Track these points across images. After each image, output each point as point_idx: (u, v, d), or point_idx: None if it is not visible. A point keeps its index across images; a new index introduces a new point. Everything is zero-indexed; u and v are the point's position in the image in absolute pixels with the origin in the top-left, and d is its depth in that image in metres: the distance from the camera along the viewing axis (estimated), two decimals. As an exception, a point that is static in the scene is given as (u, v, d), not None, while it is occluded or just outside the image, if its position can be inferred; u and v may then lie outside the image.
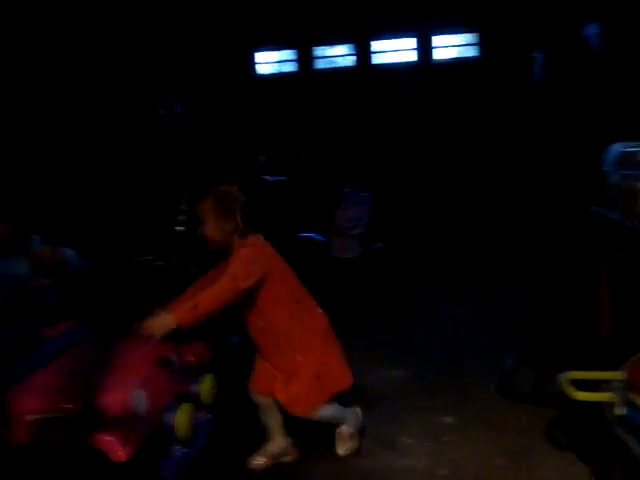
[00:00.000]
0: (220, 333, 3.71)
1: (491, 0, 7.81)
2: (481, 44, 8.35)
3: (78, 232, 4.39)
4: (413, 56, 8.81)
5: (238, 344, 3.90)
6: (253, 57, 9.50)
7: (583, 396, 2.40)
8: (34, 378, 2.72)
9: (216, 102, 8.42)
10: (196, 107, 7.88)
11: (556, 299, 4.06)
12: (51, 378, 2.72)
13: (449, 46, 8.68)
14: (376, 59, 9.04)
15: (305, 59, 9.31)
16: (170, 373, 2.89)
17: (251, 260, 2.81)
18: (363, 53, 9.03)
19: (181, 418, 2.67)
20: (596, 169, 3.52)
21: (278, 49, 9.51)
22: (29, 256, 3.23)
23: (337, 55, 9.40)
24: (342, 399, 3.20)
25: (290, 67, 9.54)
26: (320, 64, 9.39)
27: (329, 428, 3.27)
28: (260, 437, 3.17)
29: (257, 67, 9.61)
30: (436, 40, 8.64)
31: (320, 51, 9.39)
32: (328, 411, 3.08)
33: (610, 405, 2.37)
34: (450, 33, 8.59)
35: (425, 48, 8.67)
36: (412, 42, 8.79)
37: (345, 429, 3.23)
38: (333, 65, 9.40)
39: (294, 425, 3.13)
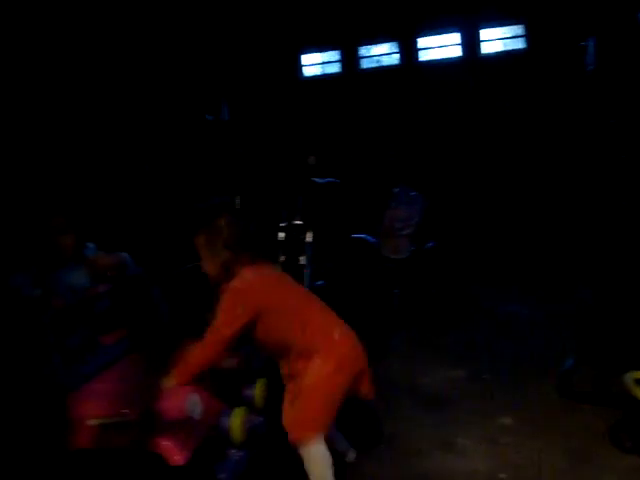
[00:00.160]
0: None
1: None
2: (528, 36, 8.16)
3: (130, 239, 4.48)
4: (458, 51, 8.68)
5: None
6: (299, 60, 9.54)
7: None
8: (93, 384, 2.78)
9: (264, 106, 8.48)
10: (244, 112, 7.95)
11: (616, 297, 3.93)
12: (110, 384, 2.78)
13: (495, 39, 8.51)
14: (421, 56, 8.95)
15: (350, 59, 9.28)
16: (224, 378, 2.91)
17: (234, 303, 2.67)
18: (408, 50, 8.95)
19: (235, 422, 2.68)
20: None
21: (323, 50, 9.52)
22: (86, 263, 3.30)
23: (381, 54, 9.34)
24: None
25: (335, 68, 9.53)
26: (365, 63, 9.36)
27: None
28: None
29: (303, 69, 9.64)
30: (482, 34, 8.50)
31: (364, 50, 9.36)
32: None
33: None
34: (495, 26, 8.43)
35: (471, 42, 8.53)
36: (457, 37, 8.66)
37: None
38: (378, 64, 9.35)
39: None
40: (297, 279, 4.23)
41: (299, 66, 9.53)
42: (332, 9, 8.67)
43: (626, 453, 3.05)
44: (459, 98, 8.37)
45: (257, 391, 2.95)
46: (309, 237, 4.36)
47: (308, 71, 9.70)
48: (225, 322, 2.66)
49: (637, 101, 4.35)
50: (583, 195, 6.50)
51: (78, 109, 6.29)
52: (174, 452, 2.48)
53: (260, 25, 8.63)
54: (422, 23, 8.63)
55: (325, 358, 2.66)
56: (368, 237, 5.18)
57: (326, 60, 9.67)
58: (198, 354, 2.70)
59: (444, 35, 8.83)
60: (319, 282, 4.73)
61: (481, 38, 8.50)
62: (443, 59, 8.80)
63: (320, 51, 9.56)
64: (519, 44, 8.30)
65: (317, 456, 2.70)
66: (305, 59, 9.63)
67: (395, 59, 9.22)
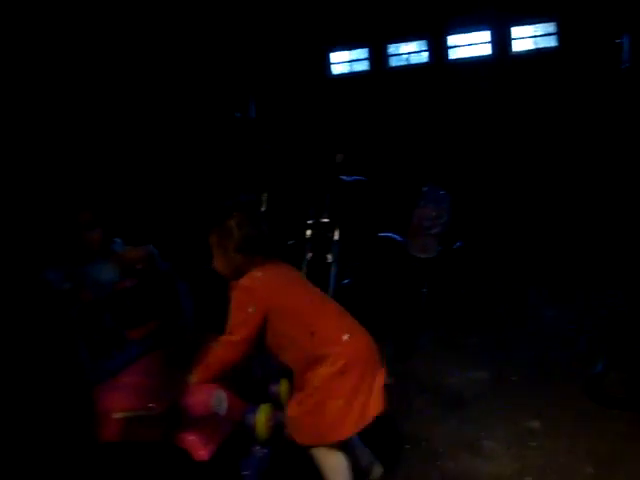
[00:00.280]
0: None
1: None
2: (560, 33, 8.04)
3: (157, 235, 4.51)
4: (488, 49, 8.59)
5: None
6: (328, 57, 9.53)
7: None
8: (120, 378, 2.80)
9: (292, 103, 8.50)
10: (272, 109, 7.97)
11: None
12: (136, 378, 2.80)
13: (526, 37, 8.41)
14: (451, 54, 8.88)
15: (378, 57, 9.25)
16: (250, 374, 2.91)
17: (245, 303, 2.60)
18: (437, 48, 8.89)
19: (260, 419, 2.68)
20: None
21: (351, 48, 9.50)
22: (114, 258, 3.33)
23: (410, 52, 9.29)
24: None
25: (364, 66, 9.51)
26: (393, 61, 9.31)
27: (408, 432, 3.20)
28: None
29: (332, 67, 9.63)
30: (513, 32, 8.40)
31: (393, 48, 9.31)
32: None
33: None
34: (526, 24, 8.32)
35: (501, 41, 8.44)
36: (487, 35, 8.57)
37: None
38: (406, 62, 9.30)
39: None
40: (324, 277, 4.25)
41: (327, 64, 9.53)
42: (361, 6, 8.64)
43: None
44: (489, 97, 8.29)
45: (282, 388, 2.94)
46: (336, 235, 4.34)
47: (336, 69, 9.69)
48: (238, 323, 2.61)
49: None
50: (617, 196, 6.39)
51: (108, 105, 6.37)
52: (199, 447, 2.49)
53: (289, 22, 8.65)
54: (452, 21, 8.57)
55: (332, 361, 2.54)
56: (395, 236, 5.15)
57: (354, 58, 9.65)
58: (217, 355, 2.67)
59: (474, 33, 8.75)
60: (345, 281, 4.71)
61: (512, 36, 8.40)
62: (473, 57, 8.72)
63: (348, 49, 9.54)
64: (550, 42, 8.19)
65: (327, 461, 2.64)
66: (334, 57, 9.63)
67: (424, 57, 9.16)
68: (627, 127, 5.61)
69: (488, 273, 5.95)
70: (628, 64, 5.38)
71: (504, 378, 4.08)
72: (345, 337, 2.60)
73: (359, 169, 4.93)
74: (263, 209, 4.22)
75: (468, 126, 8.21)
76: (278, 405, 2.87)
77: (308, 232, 4.40)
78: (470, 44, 8.77)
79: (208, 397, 2.59)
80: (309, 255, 4.36)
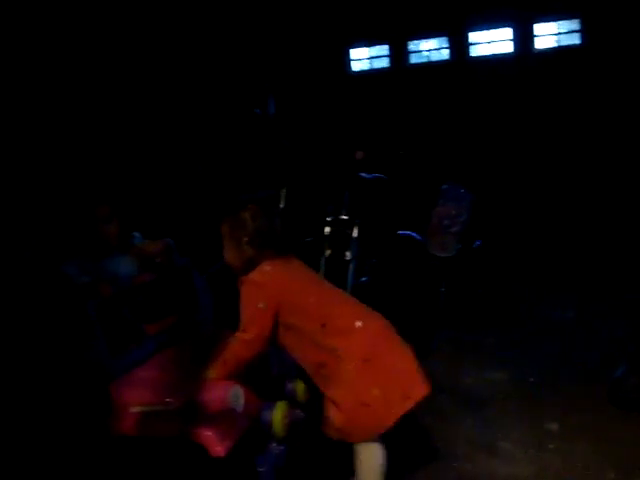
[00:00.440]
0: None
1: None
2: (584, 31, 7.93)
3: (176, 231, 4.52)
4: (510, 47, 8.50)
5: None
6: (347, 54, 9.50)
7: None
8: (138, 372, 2.81)
9: (312, 100, 8.48)
10: (292, 106, 7.96)
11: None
12: (153, 373, 2.81)
13: (548, 35, 8.31)
14: (472, 51, 8.80)
15: (399, 54, 9.20)
16: (267, 371, 2.91)
17: (255, 298, 2.57)
18: (458, 46, 8.82)
19: (277, 415, 2.67)
20: None
21: (371, 45, 9.46)
22: (133, 251, 3.35)
23: (431, 49, 9.24)
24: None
25: (384, 63, 9.46)
26: (413, 58, 9.26)
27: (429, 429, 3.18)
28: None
29: (352, 64, 9.60)
30: (535, 29, 8.30)
31: (413, 45, 9.26)
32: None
33: None
34: (549, 20, 8.22)
35: (523, 38, 8.35)
36: (509, 32, 8.48)
37: None
38: (427, 60, 9.24)
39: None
40: (342, 274, 4.24)
41: (347, 60, 9.50)
42: (381, 2, 8.59)
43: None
44: (510, 95, 8.20)
45: (299, 386, 2.93)
46: (355, 232, 4.32)
47: (356, 66, 9.65)
48: (250, 320, 2.59)
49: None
50: (635, 198, 6.31)
51: (128, 102, 6.40)
52: (215, 443, 2.48)
53: (308, 18, 8.63)
54: (473, 17, 8.48)
55: (352, 353, 2.49)
56: (415, 234, 5.12)
57: (374, 55, 9.61)
58: (233, 352, 2.66)
59: (496, 30, 8.66)
60: (363, 278, 4.69)
61: (534, 33, 8.31)
62: (494, 55, 8.64)
63: (368, 45, 9.50)
64: (574, 40, 8.08)
65: (371, 459, 2.61)
66: (354, 54, 9.59)
67: (445, 54, 9.10)
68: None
69: (507, 273, 5.89)
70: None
71: (522, 379, 4.04)
72: (358, 324, 2.56)
73: (379, 167, 4.91)
74: (282, 205, 4.21)
75: (489, 125, 8.13)
76: (294, 402, 2.87)
77: (327, 229, 4.38)
78: (491, 41, 8.69)
79: (225, 393, 2.59)
80: (327, 252, 4.35)
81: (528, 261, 6.36)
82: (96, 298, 2.85)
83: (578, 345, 4.52)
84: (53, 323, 2.93)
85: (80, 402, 2.80)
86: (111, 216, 3.35)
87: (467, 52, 8.78)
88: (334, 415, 2.52)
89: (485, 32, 8.69)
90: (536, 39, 8.31)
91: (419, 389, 2.55)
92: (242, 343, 2.62)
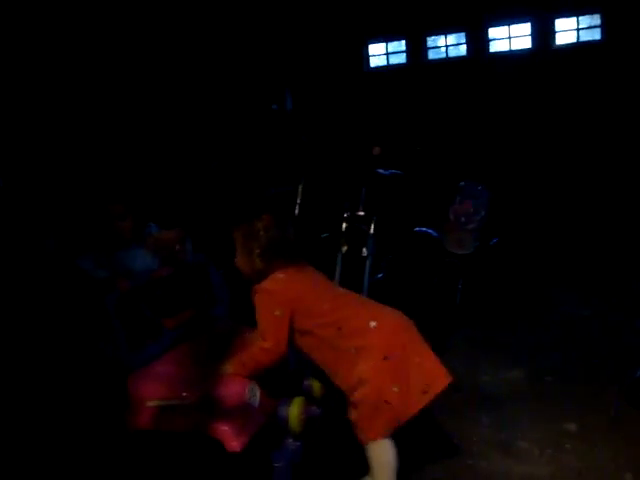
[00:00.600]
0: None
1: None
2: (604, 26, 7.84)
3: (193, 226, 4.54)
4: (529, 43, 8.42)
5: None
6: (365, 50, 9.48)
7: None
8: (154, 366, 2.83)
9: (330, 96, 8.47)
10: (309, 101, 7.96)
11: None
12: (170, 367, 2.82)
13: (568, 30, 8.22)
14: (490, 47, 8.73)
15: (416, 50, 9.16)
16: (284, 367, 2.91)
17: (270, 307, 2.60)
18: (476, 41, 8.75)
19: (294, 411, 2.68)
20: None
21: (389, 40, 9.42)
22: (150, 241, 3.39)
23: (449, 45, 9.17)
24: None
25: (401, 59, 9.42)
26: (431, 54, 9.21)
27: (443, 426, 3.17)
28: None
29: (370, 60, 9.57)
30: (555, 24, 8.21)
31: (431, 41, 9.20)
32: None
33: None
34: (569, 16, 8.13)
35: (543, 34, 8.26)
36: (528, 28, 8.40)
37: None
38: (445, 55, 9.18)
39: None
40: (358, 270, 4.23)
41: (365, 56, 9.47)
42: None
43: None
44: (529, 92, 8.13)
45: (316, 382, 2.93)
46: (372, 229, 4.31)
47: (374, 61, 9.62)
48: (268, 329, 2.61)
49: None
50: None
51: (143, 98, 6.44)
52: (231, 438, 2.50)
53: (326, 14, 8.61)
54: (492, 13, 8.42)
55: (370, 352, 2.53)
56: (431, 231, 5.09)
57: (392, 50, 9.56)
58: (253, 357, 2.67)
59: (515, 25, 8.59)
60: (379, 275, 4.68)
61: (554, 29, 8.22)
62: (513, 50, 8.56)
63: (386, 41, 9.46)
64: (595, 35, 7.99)
65: (384, 456, 2.63)
66: (373, 50, 9.57)
67: (463, 50, 9.04)
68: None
69: (524, 270, 5.85)
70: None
71: (539, 378, 4.00)
72: (372, 324, 2.59)
73: (396, 163, 4.89)
74: (299, 201, 4.21)
75: (507, 122, 8.07)
76: (311, 398, 2.87)
77: (343, 225, 4.38)
78: (511, 37, 8.61)
79: (242, 388, 2.60)
80: (344, 248, 4.34)
81: (545, 259, 6.31)
82: (114, 292, 2.87)
83: (595, 344, 4.47)
84: (71, 317, 2.96)
85: (97, 396, 2.82)
86: (126, 213, 3.40)
87: (486, 48, 8.72)
88: (356, 414, 2.56)
89: (504, 28, 8.62)
90: (556, 35, 8.22)
91: (439, 382, 2.64)
92: (262, 351, 2.64)
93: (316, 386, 2.92)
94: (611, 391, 3.66)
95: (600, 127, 7.50)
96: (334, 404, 2.83)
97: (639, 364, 3.67)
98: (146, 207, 3.64)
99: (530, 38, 8.41)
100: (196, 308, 3.30)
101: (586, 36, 8.08)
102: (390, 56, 9.55)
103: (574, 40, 8.20)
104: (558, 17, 8.16)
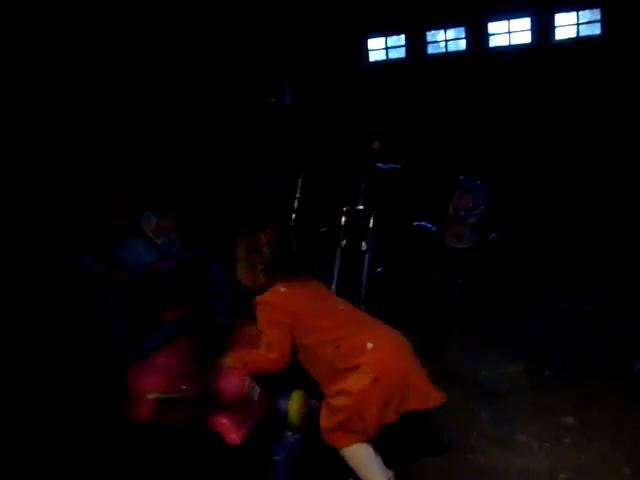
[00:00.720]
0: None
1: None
2: (604, 21, 7.83)
3: (194, 219, 4.54)
4: (529, 37, 8.41)
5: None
6: (364, 44, 9.46)
7: None
8: (154, 359, 2.82)
9: (329, 90, 8.46)
10: (308, 95, 7.95)
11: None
12: (170, 360, 2.82)
13: (567, 25, 8.20)
14: (490, 42, 8.72)
15: (415, 44, 9.14)
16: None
17: (270, 319, 2.59)
18: (476, 36, 8.74)
19: (293, 405, 2.68)
20: None
21: (388, 35, 9.40)
22: (153, 229, 3.42)
23: (448, 39, 9.15)
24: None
25: (400, 53, 9.41)
26: (431, 49, 9.19)
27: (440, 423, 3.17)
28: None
29: (370, 54, 9.55)
30: (555, 19, 8.20)
31: (430, 35, 9.19)
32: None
33: None
34: (569, 11, 8.12)
35: (542, 28, 8.25)
36: (528, 22, 8.39)
37: None
38: (444, 50, 9.17)
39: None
40: (357, 264, 4.23)
41: (364, 51, 9.45)
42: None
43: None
44: (529, 86, 8.12)
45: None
46: (371, 223, 4.31)
47: (373, 56, 9.60)
48: (273, 340, 2.58)
49: None
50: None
51: (143, 93, 6.42)
52: (231, 431, 2.50)
53: (325, 8, 8.58)
54: (491, 7, 8.40)
55: (363, 370, 2.51)
56: (431, 225, 5.08)
57: (391, 45, 9.54)
58: (257, 362, 2.64)
59: (514, 20, 8.57)
60: (379, 269, 4.67)
61: (554, 24, 8.21)
62: (513, 45, 8.55)
63: (385, 35, 9.44)
64: (594, 30, 7.98)
65: (356, 457, 2.61)
66: (372, 44, 9.55)
67: (462, 45, 9.02)
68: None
69: (523, 265, 5.85)
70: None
71: (538, 372, 4.01)
72: (369, 346, 2.57)
73: (395, 157, 4.89)
74: (298, 195, 4.20)
75: (506, 116, 8.06)
76: (311, 393, 2.87)
77: (343, 219, 4.37)
78: (510, 32, 8.60)
79: (241, 381, 2.60)
80: (343, 242, 4.34)
81: (545, 253, 6.32)
82: (113, 285, 2.86)
83: (595, 338, 4.48)
84: (70, 312, 2.96)
85: (97, 389, 2.82)
86: (124, 211, 3.42)
87: (485, 43, 8.70)
88: (329, 419, 2.57)
89: (503, 22, 8.60)
90: (555, 30, 8.21)
91: (430, 402, 2.63)
92: (267, 360, 2.61)
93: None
94: (610, 385, 3.67)
95: (599, 122, 7.50)
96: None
97: (638, 358, 3.67)
98: (144, 199, 3.65)
99: (530, 33, 8.40)
100: (196, 301, 3.30)
101: (586, 31, 8.07)
102: (389, 50, 9.53)
103: (574, 35, 8.18)
104: (558, 12, 8.15)
